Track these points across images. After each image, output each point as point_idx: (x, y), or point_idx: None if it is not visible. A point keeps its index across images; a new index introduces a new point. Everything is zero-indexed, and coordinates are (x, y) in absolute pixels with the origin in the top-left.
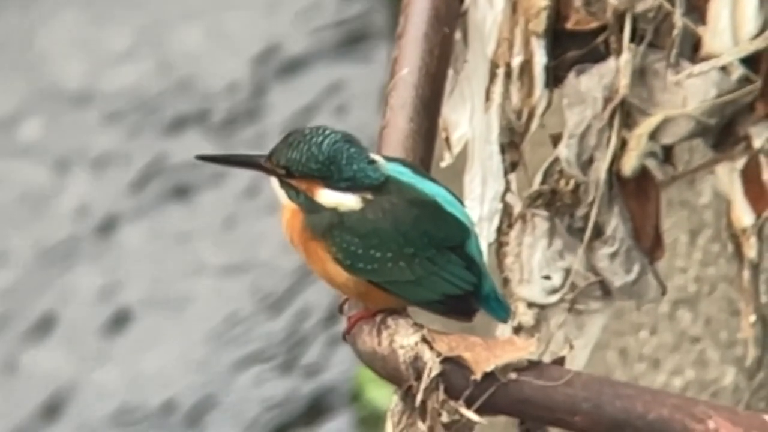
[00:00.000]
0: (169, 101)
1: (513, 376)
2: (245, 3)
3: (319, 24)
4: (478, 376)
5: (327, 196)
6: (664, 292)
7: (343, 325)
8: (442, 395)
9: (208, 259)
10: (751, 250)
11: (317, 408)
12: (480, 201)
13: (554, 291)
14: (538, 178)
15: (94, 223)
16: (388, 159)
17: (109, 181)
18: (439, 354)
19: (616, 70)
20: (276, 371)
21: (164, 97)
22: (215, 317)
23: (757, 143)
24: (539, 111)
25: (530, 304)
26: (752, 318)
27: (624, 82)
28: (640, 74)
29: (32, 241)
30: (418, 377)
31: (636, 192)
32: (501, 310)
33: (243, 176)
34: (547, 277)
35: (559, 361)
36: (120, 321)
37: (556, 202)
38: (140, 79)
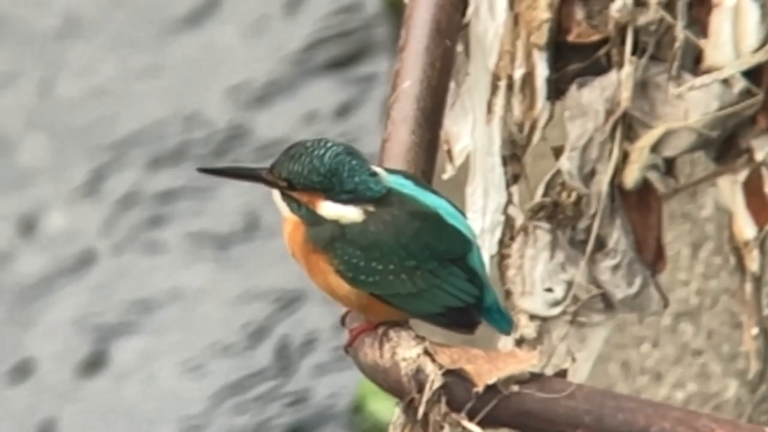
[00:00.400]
0: (152, 133)
1: (515, 388)
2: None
3: (318, 38)
4: (480, 388)
5: (329, 209)
6: (666, 305)
7: (344, 338)
8: (444, 408)
9: (187, 289)
10: (753, 263)
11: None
12: (482, 213)
13: (556, 303)
14: (540, 190)
15: (75, 256)
16: (390, 171)
17: (89, 213)
18: (441, 366)
19: (618, 82)
20: (259, 401)
21: (146, 129)
22: (195, 347)
23: (759, 156)
24: (541, 123)
25: (532, 317)
26: (754, 331)
27: (626, 95)
28: (642, 87)
29: (11, 275)
30: (420, 390)
31: (638, 204)
32: (504, 322)
33: (222, 205)
34: (549, 290)
35: (562, 374)
36: (98, 354)
37: (558, 214)
38: (120, 111)
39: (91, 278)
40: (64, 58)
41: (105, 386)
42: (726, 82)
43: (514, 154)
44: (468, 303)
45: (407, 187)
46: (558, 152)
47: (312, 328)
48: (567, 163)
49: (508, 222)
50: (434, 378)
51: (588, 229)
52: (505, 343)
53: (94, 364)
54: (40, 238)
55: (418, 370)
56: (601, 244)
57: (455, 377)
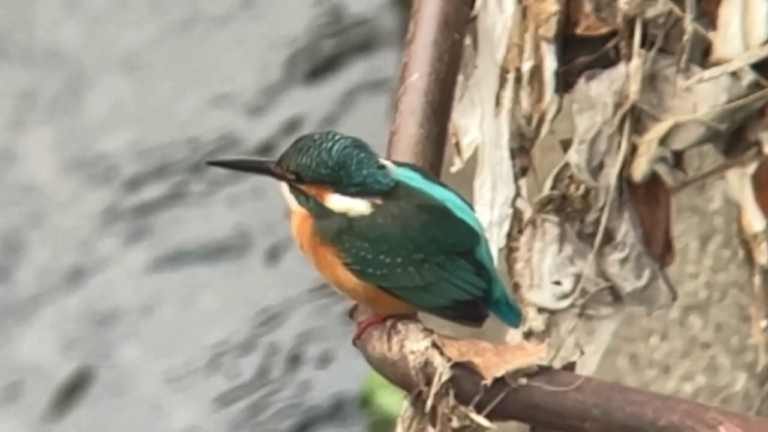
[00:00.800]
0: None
1: (523, 381)
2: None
3: (329, 31)
4: (488, 381)
5: (337, 202)
6: (674, 298)
7: (351, 331)
8: (452, 400)
9: (168, 303)
10: (761, 256)
11: None
12: (490, 206)
13: (564, 296)
14: (549, 183)
15: (60, 272)
16: (398, 164)
17: (75, 228)
18: (449, 359)
19: (627, 75)
20: (246, 412)
21: (135, 140)
22: (181, 361)
23: (767, 149)
24: (549, 116)
25: (540, 310)
26: (763, 324)
27: (634, 88)
28: (651, 80)
29: None
30: (429, 382)
31: (646, 197)
32: (512, 315)
33: (200, 219)
34: (558, 283)
35: (570, 367)
36: (84, 370)
37: (567, 207)
38: (107, 121)
39: (76, 294)
40: (54, 75)
41: (91, 404)
42: (735, 74)
43: (522, 147)
44: (476, 296)
45: (415, 180)
46: (566, 145)
47: (297, 340)
48: (575, 156)
49: (517, 215)
50: (442, 371)
51: (596, 222)
52: (514, 336)
53: (79, 380)
54: (25, 255)
55: (427, 363)
56: (609, 237)
57: (463, 370)
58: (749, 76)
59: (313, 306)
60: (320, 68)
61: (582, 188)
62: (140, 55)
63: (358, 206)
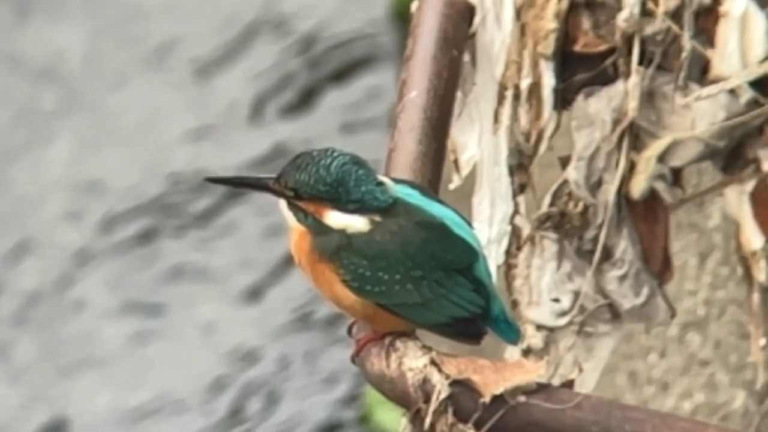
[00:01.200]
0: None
1: (522, 398)
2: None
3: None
4: (487, 398)
5: (335, 218)
6: (673, 315)
7: (349, 350)
8: (450, 418)
9: (143, 341)
10: (760, 273)
11: None
12: (488, 223)
13: (563, 313)
14: (547, 200)
15: (33, 312)
16: (397, 181)
17: (43, 266)
18: (447, 376)
19: (625, 92)
20: None
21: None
22: (153, 402)
23: (766, 166)
24: (548, 133)
25: (539, 327)
26: (762, 341)
27: (632, 105)
28: (649, 97)
29: None
30: (427, 400)
31: (645, 214)
32: (511, 332)
33: (175, 257)
34: (556, 300)
35: (568, 384)
36: (58, 418)
37: (565, 224)
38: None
39: (49, 336)
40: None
41: None
42: (733, 92)
43: (520, 163)
44: (474, 313)
45: (414, 196)
46: (565, 162)
47: (273, 380)
48: (574, 173)
49: (515, 232)
50: (441, 388)
51: (595, 239)
52: (512, 353)
53: (53, 424)
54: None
55: (425, 381)
56: (608, 254)
57: (462, 387)
58: (747, 94)
59: (288, 343)
60: (305, 94)
61: (580, 205)
62: (111, 92)
63: (356, 223)
